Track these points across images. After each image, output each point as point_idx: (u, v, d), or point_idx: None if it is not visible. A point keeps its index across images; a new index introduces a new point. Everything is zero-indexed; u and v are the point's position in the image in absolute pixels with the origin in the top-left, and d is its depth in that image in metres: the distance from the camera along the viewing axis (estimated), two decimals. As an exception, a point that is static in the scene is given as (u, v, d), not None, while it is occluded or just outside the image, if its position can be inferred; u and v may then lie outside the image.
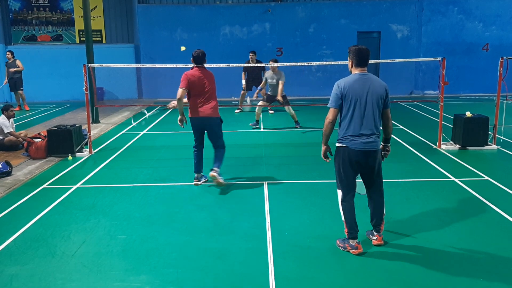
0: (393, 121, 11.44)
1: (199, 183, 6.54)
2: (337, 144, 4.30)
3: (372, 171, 4.26)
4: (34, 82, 17.80)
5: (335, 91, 4.19)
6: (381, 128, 4.29)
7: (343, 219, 4.31)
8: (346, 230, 4.30)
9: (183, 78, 6.27)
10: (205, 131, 6.48)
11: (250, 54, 13.09)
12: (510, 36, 17.47)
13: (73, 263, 4.20)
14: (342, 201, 4.31)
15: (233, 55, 16.72)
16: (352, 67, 4.28)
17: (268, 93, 11.06)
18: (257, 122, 11.18)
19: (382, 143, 4.44)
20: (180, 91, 6.20)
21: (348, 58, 4.30)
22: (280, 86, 10.56)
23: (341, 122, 4.24)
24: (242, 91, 13.49)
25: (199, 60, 6.39)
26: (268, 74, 10.88)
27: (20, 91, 15.16)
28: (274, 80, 10.74)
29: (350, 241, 4.27)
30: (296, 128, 11.01)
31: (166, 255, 4.32)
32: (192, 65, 6.49)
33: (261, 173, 7.12)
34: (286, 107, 10.95)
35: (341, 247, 4.36)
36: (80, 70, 9.68)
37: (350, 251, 4.27)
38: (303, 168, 7.36)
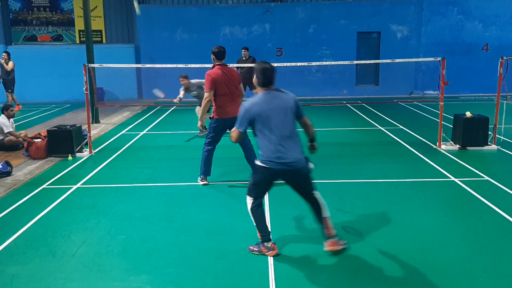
0: (393, 121, 11.57)
1: (205, 183, 6.45)
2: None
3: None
4: (34, 82, 17.82)
5: (242, 114, 4.09)
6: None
7: (255, 224, 4.24)
8: (259, 234, 4.23)
9: (208, 79, 6.02)
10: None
11: (243, 50, 12.85)
12: (510, 36, 17.48)
13: (73, 263, 4.20)
14: (252, 208, 4.24)
15: (233, 56, 16.61)
16: (257, 85, 4.16)
17: None
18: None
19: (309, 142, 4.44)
20: (206, 95, 6.00)
21: (254, 76, 4.15)
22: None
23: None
24: None
25: (221, 55, 6.13)
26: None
27: (7, 93, 14.52)
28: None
29: (265, 243, 4.21)
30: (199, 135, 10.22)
31: (166, 255, 4.33)
32: (212, 64, 6.26)
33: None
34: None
35: (256, 251, 4.27)
36: (80, 70, 9.68)
37: (267, 253, 4.20)
38: (303, 168, 7.35)
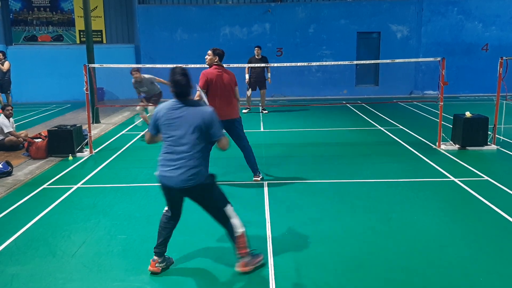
0: (393, 121, 11.58)
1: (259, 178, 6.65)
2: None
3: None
4: (35, 82, 17.84)
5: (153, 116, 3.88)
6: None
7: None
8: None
9: (201, 77, 6.05)
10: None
11: (256, 48, 12.91)
12: (510, 37, 17.48)
13: (73, 263, 4.20)
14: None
15: (233, 56, 16.64)
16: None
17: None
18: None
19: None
20: (197, 93, 5.89)
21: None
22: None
23: None
24: (248, 91, 13.28)
25: (223, 57, 6.22)
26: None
27: (6, 94, 13.97)
28: None
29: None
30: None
31: (166, 255, 4.32)
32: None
33: (261, 173, 7.11)
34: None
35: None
36: (80, 70, 9.68)
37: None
38: (303, 168, 7.37)
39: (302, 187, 6.36)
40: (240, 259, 3.92)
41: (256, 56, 12.95)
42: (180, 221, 5.18)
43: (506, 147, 8.39)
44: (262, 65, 11.30)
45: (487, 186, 6.26)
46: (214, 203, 3.92)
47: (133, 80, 9.91)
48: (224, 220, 3.93)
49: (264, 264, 4.07)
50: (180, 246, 4.52)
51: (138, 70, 9.89)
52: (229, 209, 3.95)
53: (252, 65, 11.51)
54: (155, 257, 3.98)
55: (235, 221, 3.91)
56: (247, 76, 13.08)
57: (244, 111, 13.47)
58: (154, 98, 10.22)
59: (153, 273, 3.96)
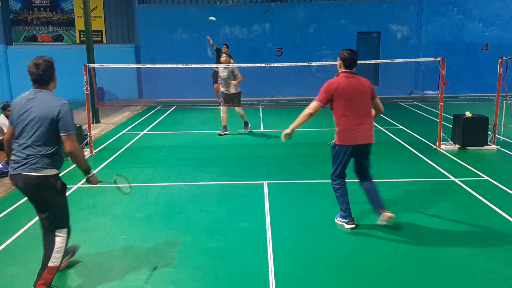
0: (393, 121, 11.56)
1: (352, 226, 4.89)
2: None
3: (40, 204, 3.69)
4: (34, 82, 17.81)
5: None
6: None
7: None
8: None
9: (323, 88, 4.79)
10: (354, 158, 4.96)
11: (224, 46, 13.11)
12: (510, 36, 17.48)
13: (73, 263, 4.20)
14: None
15: (233, 55, 16.71)
16: None
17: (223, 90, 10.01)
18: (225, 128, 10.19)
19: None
20: (314, 105, 4.78)
21: None
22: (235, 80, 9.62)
23: None
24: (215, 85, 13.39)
25: (351, 63, 4.72)
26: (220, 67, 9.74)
27: None
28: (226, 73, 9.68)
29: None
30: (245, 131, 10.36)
31: (166, 255, 4.33)
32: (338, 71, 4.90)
33: (261, 173, 7.13)
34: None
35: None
36: (80, 70, 9.69)
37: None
38: (303, 168, 7.37)
39: (302, 187, 6.37)
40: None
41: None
42: (181, 221, 5.19)
43: (506, 147, 8.39)
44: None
45: (487, 186, 6.26)
46: (51, 200, 3.64)
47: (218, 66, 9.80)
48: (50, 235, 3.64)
49: None
50: (180, 246, 4.52)
51: (227, 46, 10.80)
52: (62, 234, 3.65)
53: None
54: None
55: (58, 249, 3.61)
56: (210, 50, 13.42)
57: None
58: (236, 99, 9.99)
59: None
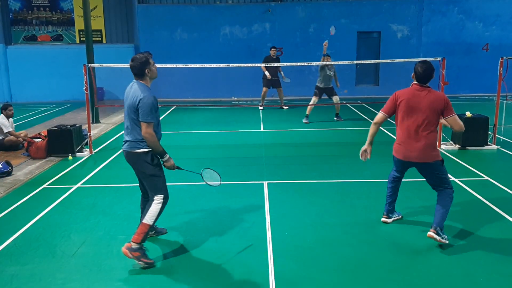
0: (393, 121, 11.50)
1: (389, 220, 4.99)
2: None
3: (139, 174, 4.33)
4: (34, 82, 17.83)
5: None
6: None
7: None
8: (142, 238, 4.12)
9: (390, 97, 4.64)
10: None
11: (272, 49, 13.42)
12: (510, 36, 17.47)
13: (73, 263, 4.20)
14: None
15: (233, 55, 16.73)
16: None
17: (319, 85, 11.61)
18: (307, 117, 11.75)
19: None
20: (378, 116, 4.71)
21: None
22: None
23: None
24: (264, 89, 13.69)
25: (425, 78, 4.48)
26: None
27: None
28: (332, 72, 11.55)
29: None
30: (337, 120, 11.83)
31: (166, 255, 4.33)
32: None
33: (261, 173, 7.12)
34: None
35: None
36: (80, 70, 9.68)
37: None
38: (303, 168, 7.36)
39: (302, 187, 6.36)
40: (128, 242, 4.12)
41: (272, 56, 13.31)
42: (181, 221, 5.19)
43: (506, 147, 8.39)
44: (276, 64, 11.51)
45: (487, 186, 6.25)
46: (148, 178, 4.23)
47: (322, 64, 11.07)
48: (151, 200, 4.23)
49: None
50: (180, 246, 4.51)
51: (328, 55, 11.63)
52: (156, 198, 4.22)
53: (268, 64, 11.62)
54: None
55: (151, 210, 4.17)
56: (267, 73, 13.39)
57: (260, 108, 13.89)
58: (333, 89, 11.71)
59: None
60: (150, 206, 4.17)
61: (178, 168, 4.36)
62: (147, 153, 4.16)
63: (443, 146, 8.46)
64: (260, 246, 4.47)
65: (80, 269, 4.10)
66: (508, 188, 6.06)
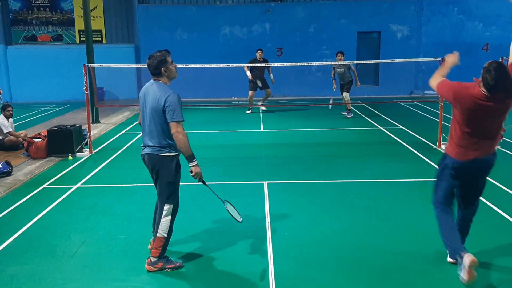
0: (393, 121, 11.57)
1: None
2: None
3: (157, 179, 4.10)
4: (34, 82, 17.83)
5: None
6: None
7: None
8: None
9: (454, 85, 3.96)
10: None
11: (258, 51, 12.92)
12: (510, 36, 17.40)
13: (73, 263, 4.20)
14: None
15: (233, 55, 16.72)
16: None
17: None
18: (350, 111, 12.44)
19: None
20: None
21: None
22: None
23: None
24: (251, 92, 13.16)
25: (492, 88, 3.63)
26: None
27: None
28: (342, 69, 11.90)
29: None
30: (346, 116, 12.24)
31: (166, 255, 4.32)
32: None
33: (261, 173, 7.12)
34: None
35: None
36: (80, 70, 9.68)
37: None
38: (303, 168, 7.36)
39: (302, 187, 6.36)
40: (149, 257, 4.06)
41: (259, 59, 12.95)
42: (180, 221, 5.18)
43: (506, 147, 8.39)
44: (262, 65, 11.44)
45: (487, 186, 6.21)
46: (164, 182, 4.09)
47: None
48: (161, 211, 4.04)
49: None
50: (180, 246, 4.51)
51: (342, 52, 11.85)
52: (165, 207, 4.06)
53: (253, 65, 11.63)
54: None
55: (161, 222, 3.99)
56: (248, 73, 12.87)
57: (247, 111, 13.50)
58: (346, 86, 12.25)
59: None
60: (160, 217, 3.99)
61: (203, 182, 4.20)
62: (173, 158, 4.04)
63: (443, 146, 8.46)
64: (260, 246, 4.47)
65: (80, 269, 4.09)
66: (508, 188, 6.06)
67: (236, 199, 5.84)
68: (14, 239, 4.77)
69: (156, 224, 4.05)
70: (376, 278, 3.85)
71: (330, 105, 12.88)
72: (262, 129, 10.97)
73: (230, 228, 4.96)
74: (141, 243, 4.61)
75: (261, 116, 12.81)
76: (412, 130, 10.31)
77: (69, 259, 4.28)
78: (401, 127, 10.76)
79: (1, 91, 11.04)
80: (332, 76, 12.78)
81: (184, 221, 5.17)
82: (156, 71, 3.98)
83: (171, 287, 3.79)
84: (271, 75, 13.13)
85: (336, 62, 11.65)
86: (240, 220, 4.23)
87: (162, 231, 3.94)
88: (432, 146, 8.62)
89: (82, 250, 4.46)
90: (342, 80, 12.30)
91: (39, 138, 8.51)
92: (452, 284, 3.73)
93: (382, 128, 10.66)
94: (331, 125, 11.40)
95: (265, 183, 6.52)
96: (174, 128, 3.91)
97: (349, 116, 12.20)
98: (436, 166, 7.18)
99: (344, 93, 12.17)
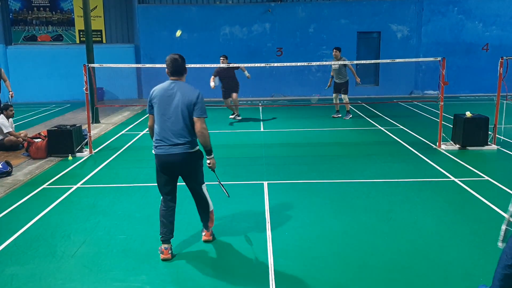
0: (393, 121, 11.57)
1: None
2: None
3: (184, 175, 4.33)
4: (34, 82, 17.83)
5: (149, 97, 4.30)
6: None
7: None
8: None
9: None
10: None
11: (221, 58, 11.77)
12: (510, 36, 17.47)
13: (73, 263, 4.20)
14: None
15: (233, 55, 16.66)
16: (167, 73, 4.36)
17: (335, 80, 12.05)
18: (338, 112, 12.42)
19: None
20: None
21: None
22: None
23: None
24: (225, 101, 12.01)
25: None
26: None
27: None
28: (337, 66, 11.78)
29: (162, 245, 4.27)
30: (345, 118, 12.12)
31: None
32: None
33: (261, 173, 7.12)
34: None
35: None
36: (80, 70, 9.68)
37: (161, 255, 4.25)
38: (303, 168, 7.36)
39: (302, 187, 6.36)
40: (207, 231, 4.60)
41: (222, 63, 11.49)
42: (181, 221, 5.18)
43: (507, 147, 8.39)
44: (232, 65, 10.73)
45: (487, 186, 6.25)
46: (195, 175, 4.37)
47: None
48: (200, 196, 4.46)
49: None
50: (180, 246, 4.51)
51: (338, 48, 11.73)
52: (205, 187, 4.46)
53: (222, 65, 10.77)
54: (204, 229, 4.56)
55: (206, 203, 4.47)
56: (212, 84, 11.56)
57: (235, 117, 12.39)
58: (343, 88, 12.04)
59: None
60: (203, 198, 4.40)
61: (215, 173, 4.58)
62: (198, 150, 4.26)
63: (443, 146, 8.46)
64: (260, 246, 4.47)
65: (80, 269, 4.09)
66: (508, 188, 6.06)
67: (236, 199, 5.86)
68: (14, 239, 4.77)
69: (201, 211, 4.48)
70: (376, 278, 3.85)
71: (316, 99, 12.88)
72: (262, 129, 10.97)
73: (230, 228, 4.96)
74: (141, 243, 4.61)
75: (261, 116, 12.81)
76: (412, 130, 10.31)
77: (69, 259, 4.28)
78: (401, 127, 10.76)
79: (12, 94, 11.02)
80: (332, 74, 12.70)
81: (184, 221, 5.17)
82: (183, 71, 4.24)
83: (171, 287, 3.79)
84: (246, 72, 11.81)
85: (335, 62, 11.55)
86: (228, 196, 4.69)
87: (211, 206, 4.45)
88: (432, 146, 8.62)
89: (82, 250, 4.46)
90: (337, 78, 12.08)
91: (39, 138, 8.51)
92: (452, 284, 3.73)
93: (382, 128, 10.66)
94: (331, 125, 11.39)
95: (265, 183, 6.52)
96: (201, 124, 4.10)
97: (347, 118, 12.06)
98: (436, 166, 7.20)
99: (343, 95, 12.05)
